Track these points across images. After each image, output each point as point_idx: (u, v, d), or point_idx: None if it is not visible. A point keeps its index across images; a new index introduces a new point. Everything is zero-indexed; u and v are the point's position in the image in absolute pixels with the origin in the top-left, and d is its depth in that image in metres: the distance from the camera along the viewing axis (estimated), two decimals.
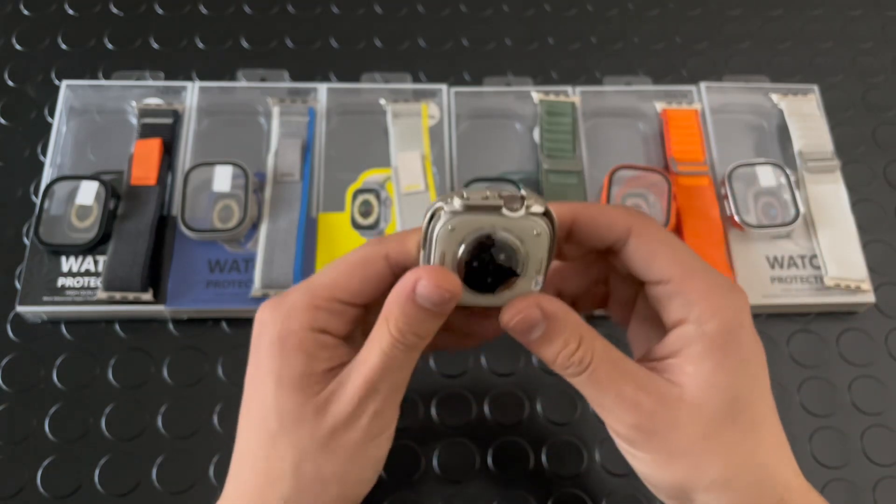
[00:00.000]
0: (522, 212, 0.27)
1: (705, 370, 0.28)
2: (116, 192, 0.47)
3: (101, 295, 0.44)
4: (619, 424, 0.29)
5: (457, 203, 0.27)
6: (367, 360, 0.29)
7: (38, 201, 0.46)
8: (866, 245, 0.48)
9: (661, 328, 0.31)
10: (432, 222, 0.28)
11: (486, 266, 0.28)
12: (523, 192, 0.28)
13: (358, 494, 0.31)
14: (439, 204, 0.28)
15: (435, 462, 0.42)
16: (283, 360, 0.29)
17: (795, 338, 0.47)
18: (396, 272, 0.30)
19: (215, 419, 0.43)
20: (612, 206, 0.32)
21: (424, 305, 0.27)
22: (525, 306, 0.29)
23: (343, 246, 0.46)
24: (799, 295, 0.46)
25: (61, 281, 0.45)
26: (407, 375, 0.30)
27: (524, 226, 0.27)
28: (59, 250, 0.45)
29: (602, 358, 0.29)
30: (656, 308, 0.31)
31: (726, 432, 0.28)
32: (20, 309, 0.44)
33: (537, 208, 0.27)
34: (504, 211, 0.27)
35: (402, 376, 0.30)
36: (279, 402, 0.29)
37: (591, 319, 0.32)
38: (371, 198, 0.48)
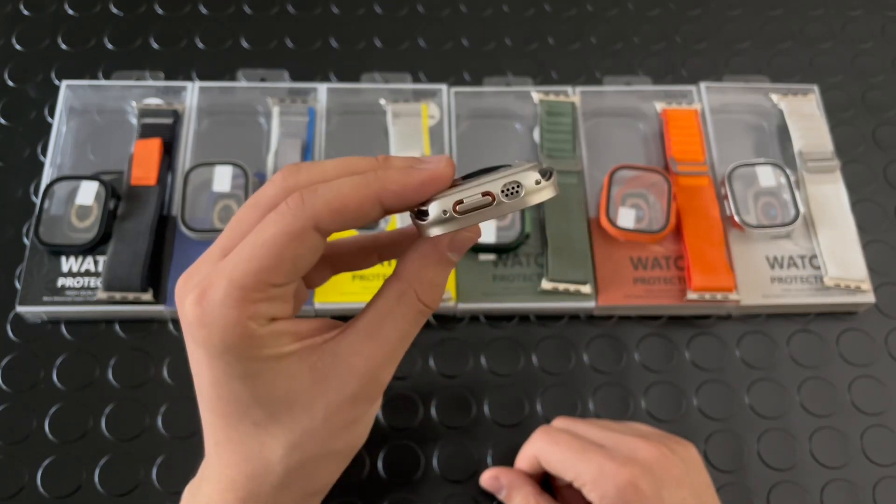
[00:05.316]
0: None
1: None
2: (116, 192, 0.47)
3: (101, 295, 0.44)
4: None
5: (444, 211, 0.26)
6: (384, 335, 0.28)
7: (38, 201, 0.46)
8: (866, 245, 0.48)
9: None
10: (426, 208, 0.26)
11: None
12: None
13: (347, 458, 0.31)
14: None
15: (435, 462, 0.42)
16: (243, 364, 0.27)
17: (795, 338, 0.47)
18: (326, 236, 0.27)
19: None
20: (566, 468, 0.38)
21: (455, 259, 0.28)
22: (490, 477, 0.41)
23: None
24: (799, 295, 0.46)
25: (61, 281, 0.45)
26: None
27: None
28: (59, 250, 0.45)
29: None
30: None
31: None
32: (20, 309, 0.44)
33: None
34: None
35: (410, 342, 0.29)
36: (256, 395, 0.27)
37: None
38: None
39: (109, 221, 0.46)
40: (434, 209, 0.26)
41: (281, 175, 0.27)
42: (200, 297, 0.26)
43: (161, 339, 0.45)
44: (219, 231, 0.46)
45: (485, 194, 0.25)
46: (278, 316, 0.27)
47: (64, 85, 0.51)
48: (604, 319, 0.47)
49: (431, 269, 0.28)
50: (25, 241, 0.47)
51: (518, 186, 0.25)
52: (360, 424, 0.30)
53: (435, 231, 0.26)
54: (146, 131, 0.49)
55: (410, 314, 0.28)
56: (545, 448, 0.39)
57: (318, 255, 0.26)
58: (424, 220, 0.26)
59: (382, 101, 0.51)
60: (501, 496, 0.40)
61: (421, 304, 0.28)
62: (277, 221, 0.25)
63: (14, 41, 0.55)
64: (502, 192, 0.25)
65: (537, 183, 0.26)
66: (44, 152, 0.50)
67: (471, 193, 0.25)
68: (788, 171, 0.49)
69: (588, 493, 0.36)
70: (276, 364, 0.27)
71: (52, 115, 0.51)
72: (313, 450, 0.28)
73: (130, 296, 0.44)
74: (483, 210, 0.25)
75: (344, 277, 0.45)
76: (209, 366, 0.27)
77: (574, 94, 0.52)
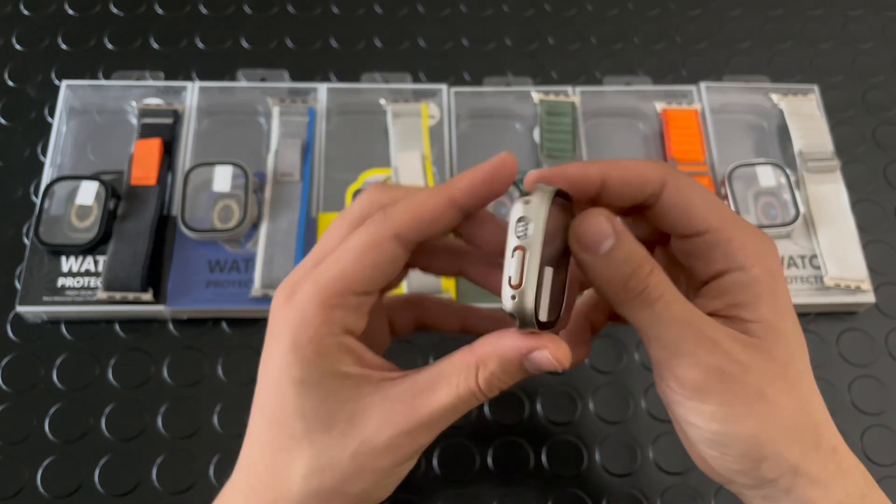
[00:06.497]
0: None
1: (762, 314, 0.28)
2: (116, 192, 0.47)
3: (101, 295, 0.44)
4: (694, 369, 0.27)
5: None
6: (434, 397, 0.28)
7: (38, 201, 0.46)
8: (866, 245, 0.48)
9: (681, 283, 0.30)
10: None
11: None
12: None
13: None
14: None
15: (435, 462, 0.42)
16: (303, 369, 0.27)
17: None
18: (410, 248, 0.28)
19: (215, 419, 0.43)
20: (641, 161, 0.29)
21: (529, 370, 0.27)
22: (596, 220, 0.26)
23: None
24: (799, 295, 0.46)
25: (61, 281, 0.45)
26: None
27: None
28: (59, 250, 0.45)
29: (674, 291, 0.27)
30: (689, 262, 0.30)
31: (789, 375, 0.27)
32: (20, 309, 0.44)
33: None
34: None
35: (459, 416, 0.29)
36: (303, 406, 0.28)
37: None
38: None
39: (109, 221, 0.46)
40: (504, 298, 0.26)
41: (367, 192, 0.30)
42: (290, 296, 0.28)
43: (161, 339, 0.45)
44: (219, 231, 0.46)
45: (516, 249, 0.25)
46: (351, 328, 0.28)
47: (64, 85, 0.51)
48: None
49: (501, 361, 0.27)
50: (25, 241, 0.47)
51: (525, 221, 0.25)
52: (380, 479, 0.29)
53: (521, 307, 0.26)
54: (146, 131, 0.49)
55: (464, 389, 0.28)
56: (691, 187, 0.28)
57: (397, 266, 0.28)
58: (514, 318, 0.26)
59: (382, 101, 0.51)
60: (606, 246, 0.26)
61: (477, 387, 0.28)
62: (362, 233, 0.28)
63: (14, 41, 0.55)
64: (517, 235, 0.26)
65: (526, 195, 0.26)
66: (44, 152, 0.50)
67: (508, 264, 0.25)
68: (788, 171, 0.49)
69: (734, 262, 0.28)
70: (330, 380, 0.28)
71: (52, 115, 0.51)
72: (331, 482, 0.28)
73: (130, 296, 0.44)
74: (528, 262, 0.25)
75: None
76: (274, 361, 0.28)
77: (574, 94, 0.52)
